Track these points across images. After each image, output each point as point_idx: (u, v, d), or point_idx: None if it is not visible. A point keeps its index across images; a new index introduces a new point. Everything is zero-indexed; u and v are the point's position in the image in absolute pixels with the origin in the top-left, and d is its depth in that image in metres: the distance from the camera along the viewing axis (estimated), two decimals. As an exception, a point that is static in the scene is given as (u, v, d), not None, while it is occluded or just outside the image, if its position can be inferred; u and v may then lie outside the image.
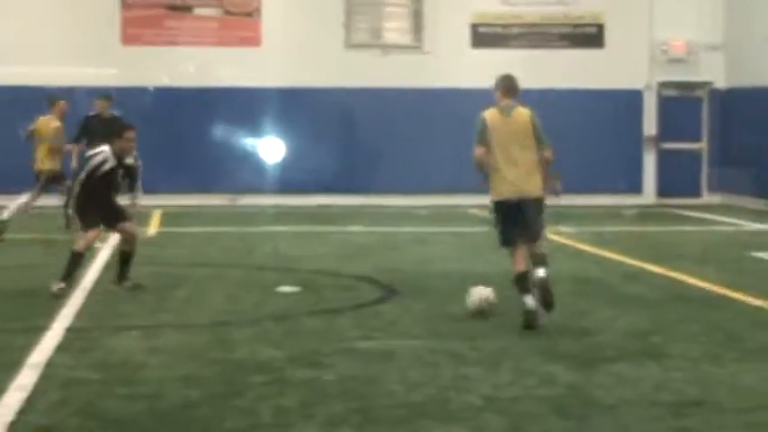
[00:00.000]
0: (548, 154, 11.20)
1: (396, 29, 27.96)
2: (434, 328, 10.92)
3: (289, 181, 26.15)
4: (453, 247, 18.37)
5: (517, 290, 11.00)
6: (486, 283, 11.76)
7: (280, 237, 19.75)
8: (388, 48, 27.55)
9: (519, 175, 11.03)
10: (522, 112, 11.19)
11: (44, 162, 19.39)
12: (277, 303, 12.51)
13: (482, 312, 11.36)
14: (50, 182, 19.34)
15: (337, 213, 24.01)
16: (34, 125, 19.69)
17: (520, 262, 11.08)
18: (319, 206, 25.37)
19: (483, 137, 11.07)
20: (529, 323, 10.77)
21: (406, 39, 27.82)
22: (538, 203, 11.16)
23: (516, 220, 11.08)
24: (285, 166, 26.36)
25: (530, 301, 10.89)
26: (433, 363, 9.27)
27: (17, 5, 26.29)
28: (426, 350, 9.78)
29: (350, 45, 27.33)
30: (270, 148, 26.54)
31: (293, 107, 26.43)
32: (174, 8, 26.83)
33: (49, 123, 19.65)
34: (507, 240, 11.18)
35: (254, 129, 26.62)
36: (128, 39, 26.64)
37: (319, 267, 15.50)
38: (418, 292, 13.23)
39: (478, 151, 11.07)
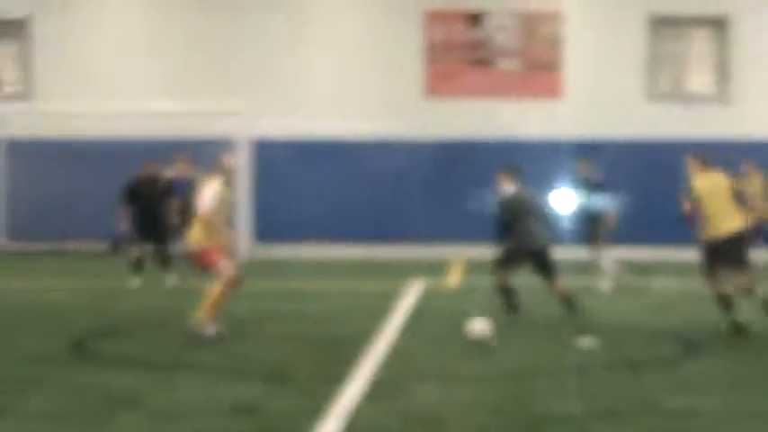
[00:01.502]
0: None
1: (699, 79, 27.46)
2: (740, 384, 10.60)
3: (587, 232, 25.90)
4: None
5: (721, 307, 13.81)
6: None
7: (584, 289, 19.57)
8: (690, 98, 27.07)
9: (728, 215, 14.07)
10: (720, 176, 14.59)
11: None
12: (576, 356, 12.40)
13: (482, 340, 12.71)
14: None
15: (642, 265, 23.61)
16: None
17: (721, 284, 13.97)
18: (626, 259, 25.03)
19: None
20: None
21: (709, 89, 27.28)
22: (743, 236, 14.06)
23: (724, 252, 13.89)
24: (577, 218, 26.10)
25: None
26: (739, 422, 9.00)
27: (329, 63, 27.15)
28: (732, 408, 9.50)
29: (652, 96, 27.00)
30: (563, 201, 26.34)
31: (594, 159, 26.23)
32: (476, 62, 27.20)
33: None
34: (708, 267, 13.98)
35: (551, 181, 26.48)
36: (430, 92, 27.12)
37: (621, 321, 15.31)
38: (724, 346, 12.89)
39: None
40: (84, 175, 25.86)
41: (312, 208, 26.48)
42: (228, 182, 14.04)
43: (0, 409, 9.36)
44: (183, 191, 24.15)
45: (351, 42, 27.30)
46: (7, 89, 27.63)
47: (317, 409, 9.29)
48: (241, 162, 25.42)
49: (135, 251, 19.60)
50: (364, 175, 26.65)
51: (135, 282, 19.27)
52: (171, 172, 24.09)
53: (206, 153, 24.96)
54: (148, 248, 19.70)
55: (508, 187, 15.51)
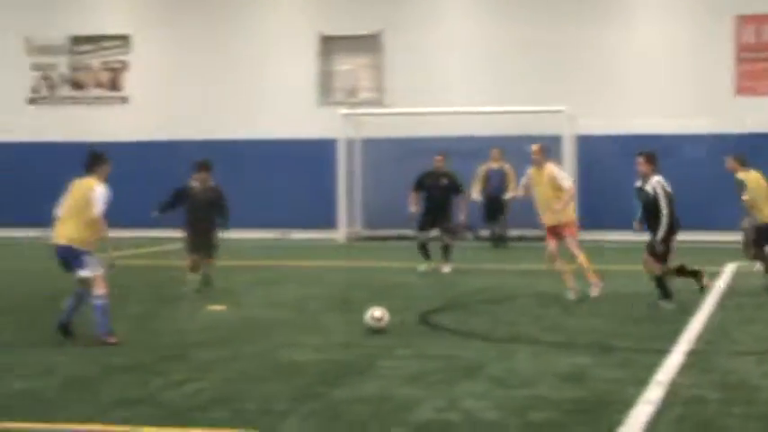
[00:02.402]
0: None
1: None
2: None
3: None
4: None
5: None
6: None
7: None
8: None
9: None
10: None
11: None
12: None
13: (374, 328, 11.86)
14: None
15: None
16: None
17: None
18: None
19: None
20: None
21: None
22: None
23: None
24: None
25: None
26: None
27: (648, 66, 26.62)
28: None
29: None
30: None
31: None
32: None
33: None
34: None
35: None
36: (741, 90, 26.21)
37: None
38: None
39: None
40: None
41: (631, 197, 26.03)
42: (537, 167, 15.22)
43: (360, 370, 9.73)
44: (495, 181, 24.45)
45: (667, 46, 26.66)
46: (363, 95, 28.50)
47: (639, 378, 9.20)
48: (566, 157, 25.37)
49: (420, 237, 19.29)
50: (680, 167, 25.99)
51: (422, 266, 18.90)
52: (485, 166, 24.35)
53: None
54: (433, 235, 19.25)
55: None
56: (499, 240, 24.48)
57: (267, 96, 28.13)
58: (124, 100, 29.35)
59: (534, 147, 15.37)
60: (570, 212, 15.25)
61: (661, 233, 13.80)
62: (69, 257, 11.38)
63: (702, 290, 14.50)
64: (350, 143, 27.04)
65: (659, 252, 13.89)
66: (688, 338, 11.39)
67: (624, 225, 25.53)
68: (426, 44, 27.60)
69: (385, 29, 27.89)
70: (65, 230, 11.41)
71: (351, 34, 28.19)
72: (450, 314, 13.67)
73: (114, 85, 29.43)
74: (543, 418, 7.91)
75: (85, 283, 11.40)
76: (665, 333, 11.70)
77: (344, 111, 27.08)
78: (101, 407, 8.38)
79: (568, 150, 25.69)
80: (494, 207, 24.42)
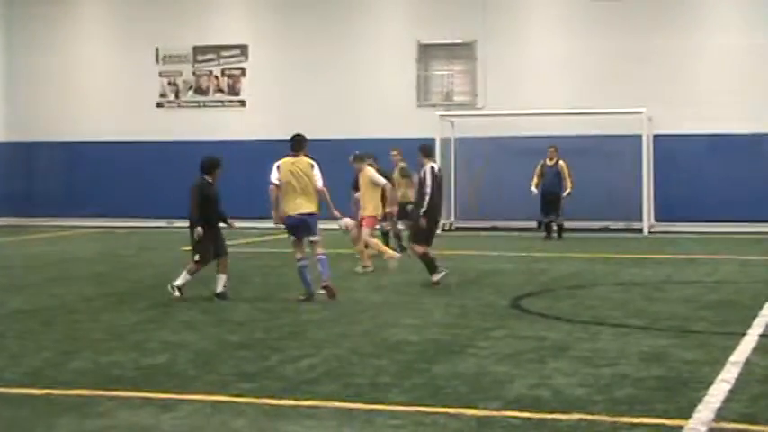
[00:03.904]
0: None
1: None
2: None
3: None
4: None
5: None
6: None
7: None
8: None
9: None
10: None
11: None
12: None
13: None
14: None
15: None
16: None
17: None
18: None
19: None
20: None
21: None
22: None
23: None
24: None
25: None
26: None
27: (718, 73, 26.16)
28: None
29: None
30: None
31: None
32: None
33: None
34: None
35: None
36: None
37: None
38: None
39: None
40: (516, 165, 26.18)
41: (707, 192, 25.72)
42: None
43: (458, 349, 9.75)
44: (549, 176, 23.99)
45: (740, 52, 26.09)
46: (457, 98, 28.45)
47: (714, 359, 9.08)
48: (644, 154, 25.23)
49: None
50: (754, 164, 25.65)
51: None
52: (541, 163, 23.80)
53: (613, 147, 25.13)
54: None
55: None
56: (558, 232, 23.83)
57: (371, 99, 28.27)
58: (242, 103, 29.74)
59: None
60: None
61: (422, 210, 14.57)
62: (312, 224, 12.99)
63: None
64: (445, 142, 27.02)
65: (420, 227, 14.63)
66: (761, 323, 11.18)
67: (697, 217, 25.48)
68: (515, 52, 27.50)
69: (478, 38, 27.83)
70: (306, 203, 12.95)
71: (447, 42, 28.19)
72: (537, 299, 13.60)
73: (233, 90, 29.83)
74: (627, 394, 7.85)
75: (314, 245, 13.14)
76: (740, 318, 11.51)
77: (441, 112, 27.12)
78: (225, 380, 8.52)
79: (646, 149, 25.48)
80: (547, 201, 23.78)
